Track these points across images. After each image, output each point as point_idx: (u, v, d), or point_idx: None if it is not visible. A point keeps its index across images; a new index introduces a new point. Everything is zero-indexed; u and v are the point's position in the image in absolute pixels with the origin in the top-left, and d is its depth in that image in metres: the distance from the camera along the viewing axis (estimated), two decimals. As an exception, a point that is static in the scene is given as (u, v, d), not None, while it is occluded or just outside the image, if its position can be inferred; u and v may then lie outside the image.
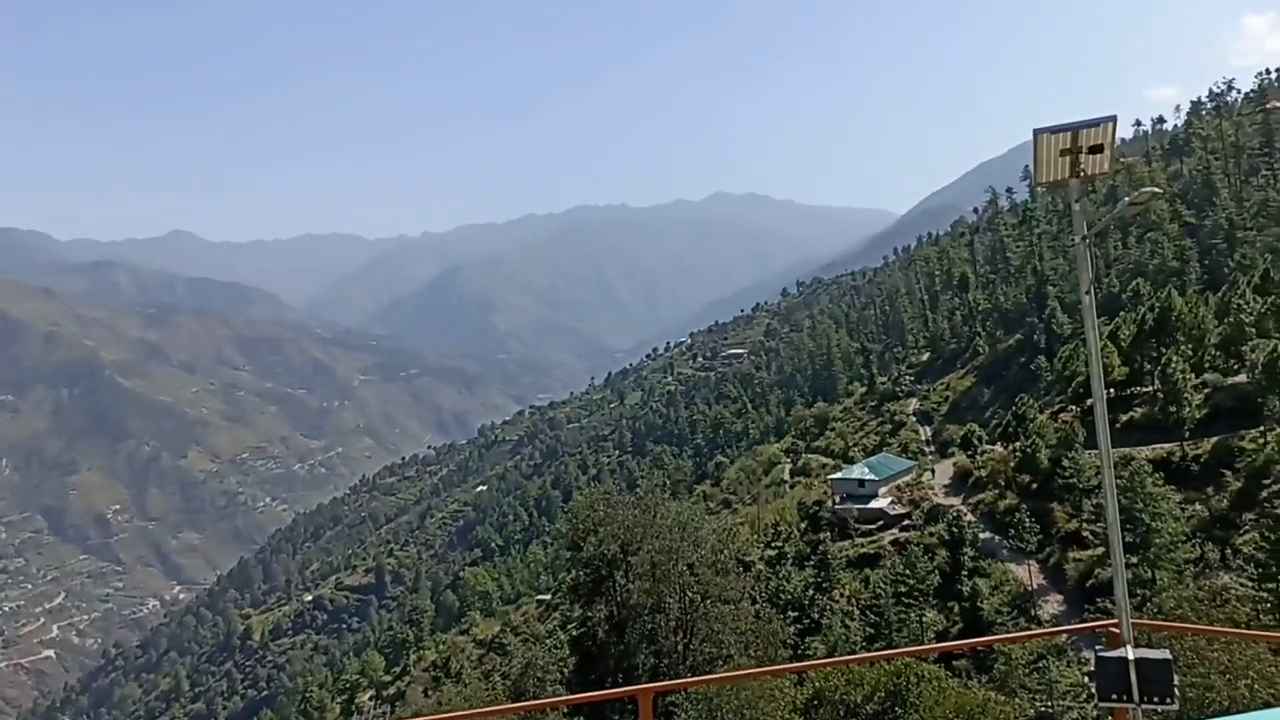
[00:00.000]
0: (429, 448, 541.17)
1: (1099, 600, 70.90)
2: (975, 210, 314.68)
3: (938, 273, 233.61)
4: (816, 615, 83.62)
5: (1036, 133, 21.39)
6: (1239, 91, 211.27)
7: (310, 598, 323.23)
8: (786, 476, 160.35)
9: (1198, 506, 79.32)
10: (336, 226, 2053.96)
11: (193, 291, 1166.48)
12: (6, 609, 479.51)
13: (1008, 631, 72.07)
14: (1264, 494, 76.46)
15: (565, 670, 65.98)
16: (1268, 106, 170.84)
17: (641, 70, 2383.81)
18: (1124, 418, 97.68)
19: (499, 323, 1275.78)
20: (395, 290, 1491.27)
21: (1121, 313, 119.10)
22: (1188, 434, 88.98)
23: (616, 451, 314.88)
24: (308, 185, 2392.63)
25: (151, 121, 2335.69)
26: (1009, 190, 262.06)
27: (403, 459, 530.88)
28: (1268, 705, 28.27)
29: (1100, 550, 79.03)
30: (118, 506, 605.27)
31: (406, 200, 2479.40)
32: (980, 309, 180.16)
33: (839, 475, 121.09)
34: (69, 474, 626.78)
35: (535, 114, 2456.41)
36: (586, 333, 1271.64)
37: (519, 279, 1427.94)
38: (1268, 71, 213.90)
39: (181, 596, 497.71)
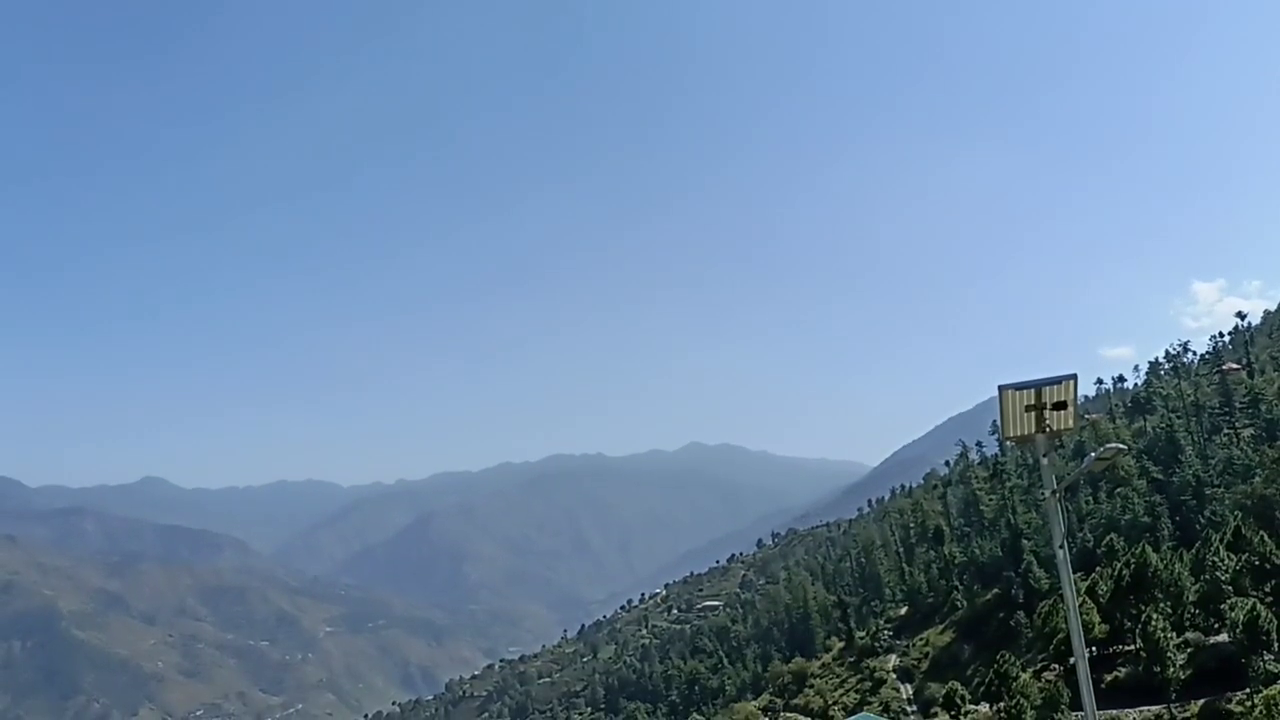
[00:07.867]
0: (394, 704, 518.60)
1: None
2: (946, 463, 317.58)
3: (912, 525, 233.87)
4: None
5: (1001, 389, 22.21)
6: (1194, 353, 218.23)
7: None
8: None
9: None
10: (311, 473, 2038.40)
11: (161, 539, 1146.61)
12: None
13: None
14: (1256, 760, 74.45)
15: None
16: (1224, 368, 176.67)
17: (620, 320, 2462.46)
18: (1108, 678, 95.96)
19: (470, 572, 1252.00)
20: (366, 538, 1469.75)
21: (1098, 568, 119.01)
22: (1174, 695, 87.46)
23: (589, 709, 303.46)
24: (284, 432, 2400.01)
25: (129, 368, 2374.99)
26: (979, 444, 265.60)
27: (365, 716, 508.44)
28: None
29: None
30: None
31: (383, 447, 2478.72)
32: (957, 562, 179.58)
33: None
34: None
35: (513, 361, 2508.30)
36: (559, 583, 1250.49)
37: (492, 528, 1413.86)
38: (1221, 334, 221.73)
39: None
